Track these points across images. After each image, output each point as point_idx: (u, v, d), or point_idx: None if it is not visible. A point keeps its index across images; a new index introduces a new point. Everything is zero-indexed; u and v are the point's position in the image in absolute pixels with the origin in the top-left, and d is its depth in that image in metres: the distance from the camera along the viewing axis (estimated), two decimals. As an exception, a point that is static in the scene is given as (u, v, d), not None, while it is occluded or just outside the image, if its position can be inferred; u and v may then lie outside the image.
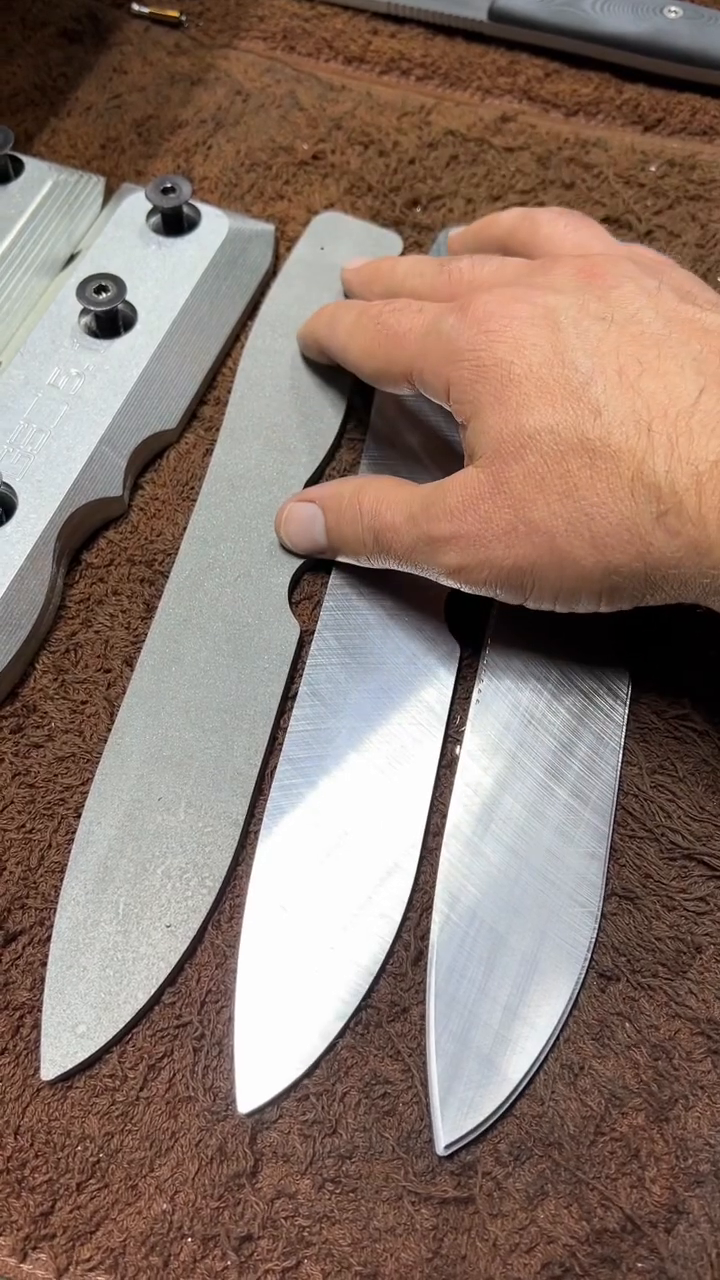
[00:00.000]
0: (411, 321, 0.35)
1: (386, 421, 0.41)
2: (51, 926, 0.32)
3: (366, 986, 0.31)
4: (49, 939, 0.31)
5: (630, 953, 0.32)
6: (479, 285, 0.36)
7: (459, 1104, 0.29)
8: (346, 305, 0.39)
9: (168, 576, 0.37)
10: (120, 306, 0.40)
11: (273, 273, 0.45)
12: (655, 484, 0.29)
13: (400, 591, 0.37)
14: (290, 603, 0.37)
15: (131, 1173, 0.29)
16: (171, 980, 0.31)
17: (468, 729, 0.35)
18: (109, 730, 0.35)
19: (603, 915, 0.32)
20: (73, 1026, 0.30)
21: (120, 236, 0.43)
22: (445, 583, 0.33)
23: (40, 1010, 0.31)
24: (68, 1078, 0.30)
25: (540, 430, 0.31)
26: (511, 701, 0.35)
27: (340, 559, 0.37)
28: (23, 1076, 0.30)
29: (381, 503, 0.35)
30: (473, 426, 0.33)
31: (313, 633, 0.37)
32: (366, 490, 0.35)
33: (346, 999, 0.31)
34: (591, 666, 0.35)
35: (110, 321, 0.40)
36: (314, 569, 0.38)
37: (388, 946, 0.32)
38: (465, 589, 0.33)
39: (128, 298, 0.40)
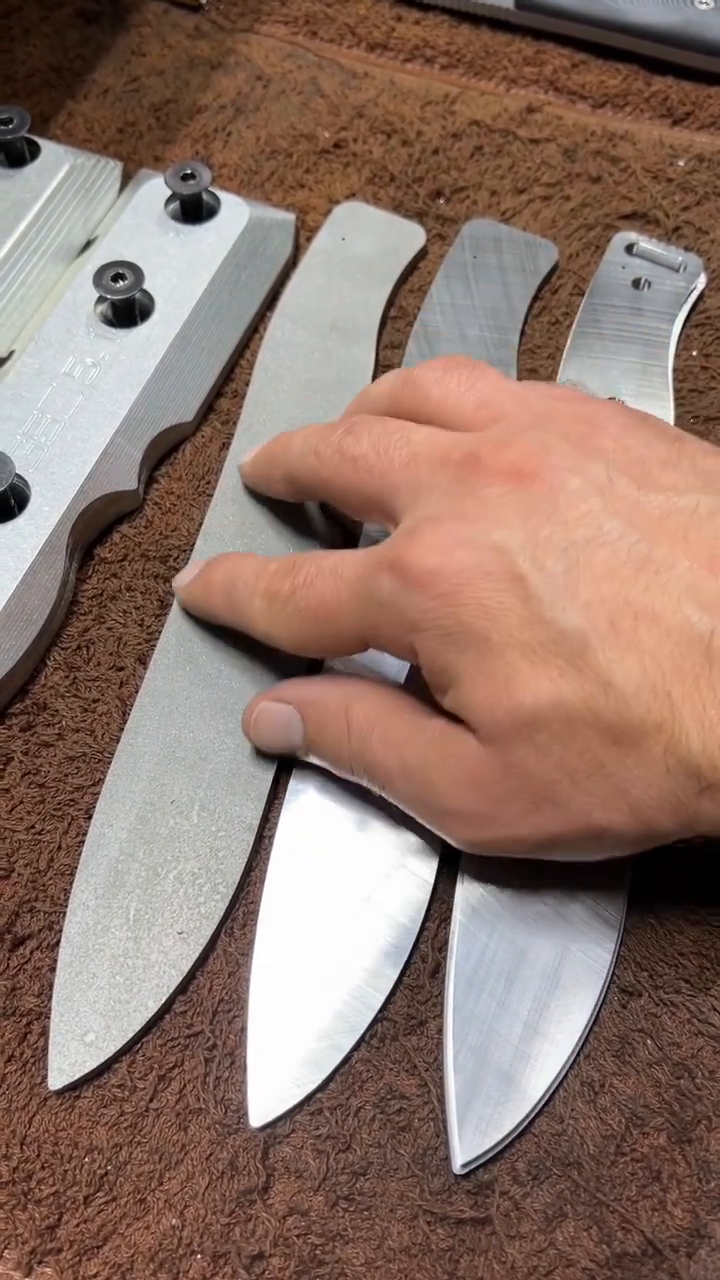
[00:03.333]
0: (334, 592, 0.30)
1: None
2: (60, 931, 0.31)
3: (382, 998, 0.30)
4: (58, 944, 0.31)
5: (653, 968, 0.31)
6: (391, 483, 0.31)
7: (477, 1121, 0.29)
8: (239, 578, 0.33)
9: (183, 573, 0.37)
10: (137, 295, 0.39)
11: (293, 263, 0.44)
12: (693, 762, 0.26)
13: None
14: (308, 602, 0.36)
15: (140, 1186, 0.28)
16: (183, 988, 0.30)
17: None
18: (121, 730, 0.34)
19: (625, 929, 0.31)
20: (81, 1034, 0.29)
21: (138, 223, 0.42)
22: None
23: (48, 1017, 0.30)
24: (75, 1087, 0.29)
25: (544, 706, 0.27)
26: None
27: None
28: (29, 1085, 0.29)
29: (374, 731, 0.30)
30: (453, 695, 0.28)
31: (330, 633, 0.36)
32: (356, 705, 0.31)
33: (362, 1010, 0.30)
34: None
35: (127, 310, 0.39)
36: (332, 567, 0.37)
37: (405, 957, 0.31)
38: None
39: (145, 286, 0.39)
